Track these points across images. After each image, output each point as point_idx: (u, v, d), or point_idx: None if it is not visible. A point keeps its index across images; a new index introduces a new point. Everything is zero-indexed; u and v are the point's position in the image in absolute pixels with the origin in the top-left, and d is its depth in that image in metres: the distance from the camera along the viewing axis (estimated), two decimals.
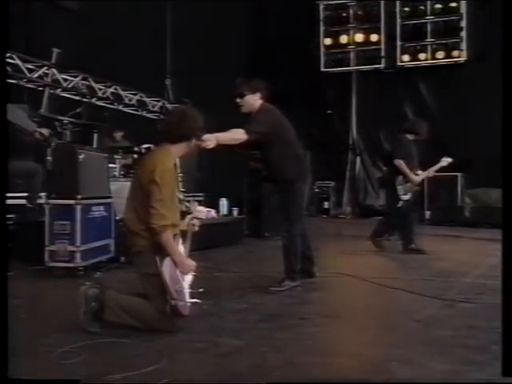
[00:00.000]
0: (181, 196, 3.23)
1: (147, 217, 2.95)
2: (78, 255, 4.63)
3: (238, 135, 4.01)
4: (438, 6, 11.50)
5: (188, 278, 3.15)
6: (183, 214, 3.24)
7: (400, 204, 6.21)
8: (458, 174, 10.43)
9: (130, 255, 3.17)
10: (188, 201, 3.38)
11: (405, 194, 6.22)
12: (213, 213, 7.43)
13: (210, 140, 3.55)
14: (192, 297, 3.14)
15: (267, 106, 4.28)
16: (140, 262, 3.08)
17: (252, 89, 4.24)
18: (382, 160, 7.48)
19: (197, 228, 3.28)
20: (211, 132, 3.55)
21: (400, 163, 6.16)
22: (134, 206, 3.09)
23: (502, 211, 2.29)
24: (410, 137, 6.32)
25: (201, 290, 3.18)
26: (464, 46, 11.26)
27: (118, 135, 8.09)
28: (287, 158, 4.25)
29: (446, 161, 6.47)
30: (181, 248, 3.13)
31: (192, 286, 3.17)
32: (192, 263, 3.13)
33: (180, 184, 3.26)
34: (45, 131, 5.60)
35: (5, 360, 2.12)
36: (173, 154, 3.15)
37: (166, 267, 2.96)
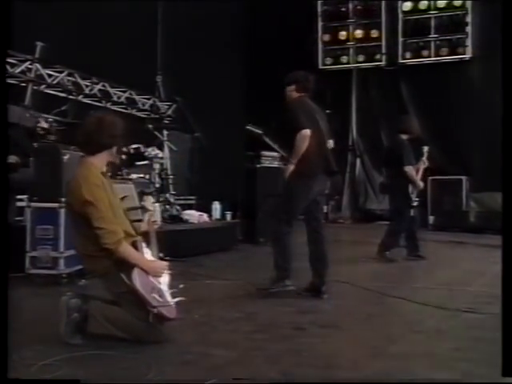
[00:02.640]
0: (137, 200, 3.20)
1: (97, 238, 2.93)
2: (62, 261, 4.59)
3: (304, 142, 4.16)
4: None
5: (164, 280, 3.13)
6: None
7: (411, 212, 6.29)
8: (463, 177, 10.46)
9: (96, 278, 3.13)
10: (142, 199, 3.35)
11: (415, 201, 6.31)
12: (205, 217, 7.50)
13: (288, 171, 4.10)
14: (174, 297, 3.11)
15: (297, 100, 4.49)
16: (108, 283, 3.05)
17: (288, 81, 4.58)
18: (384, 165, 7.47)
19: (158, 224, 3.26)
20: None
21: (411, 170, 6.21)
22: (79, 230, 3.05)
23: (502, 216, 2.32)
24: (405, 137, 6.39)
25: (181, 285, 3.16)
26: (469, 42, 11.28)
27: None
28: (304, 152, 4.19)
29: (424, 161, 6.54)
30: (147, 252, 3.11)
31: (172, 286, 3.15)
32: (162, 264, 3.11)
33: (170, 186, 3.25)
34: (46, 125, 5.58)
35: (5, 360, 2.18)
36: (95, 166, 3.09)
37: (136, 279, 2.94)
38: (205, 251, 6.42)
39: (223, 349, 2.95)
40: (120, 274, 2.95)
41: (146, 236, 3.17)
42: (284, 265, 4.26)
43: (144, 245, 3.12)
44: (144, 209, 3.24)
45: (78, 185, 2.99)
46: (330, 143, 4.56)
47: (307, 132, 4.16)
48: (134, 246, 3.04)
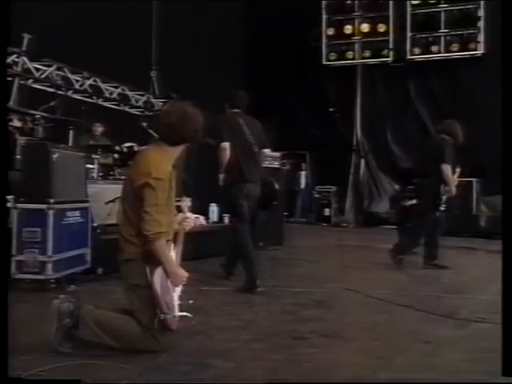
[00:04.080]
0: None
1: (139, 222, 2.95)
2: (50, 266, 4.59)
3: (222, 154, 4.98)
4: None
5: (178, 290, 3.15)
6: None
7: (438, 214, 6.21)
8: (473, 180, 10.47)
9: (119, 263, 3.15)
10: (178, 200, 3.36)
11: (444, 204, 6.21)
12: (202, 220, 7.49)
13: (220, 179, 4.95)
14: (181, 310, 3.13)
15: (226, 115, 5.17)
16: (129, 271, 3.06)
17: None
18: (401, 176, 7.49)
19: (189, 227, 3.28)
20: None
21: (448, 168, 6.10)
22: (124, 208, 3.09)
23: (502, 219, 2.38)
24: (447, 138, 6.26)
25: (191, 301, 3.17)
26: (481, 37, 11.30)
27: (98, 130, 8.06)
28: (229, 161, 4.96)
29: (458, 171, 6.47)
30: (172, 254, 3.13)
31: (181, 299, 3.16)
32: (184, 273, 3.13)
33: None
34: (19, 123, 5.56)
35: (5, 360, 2.24)
36: (170, 155, 3.15)
37: (157, 278, 2.96)
38: (201, 256, 6.42)
39: (220, 359, 2.96)
40: (145, 266, 2.97)
41: (174, 236, 3.20)
42: (229, 262, 5.32)
43: (172, 246, 3.15)
44: (179, 210, 3.26)
45: (147, 165, 3.01)
46: (266, 152, 5.37)
47: (225, 145, 4.95)
48: (166, 244, 3.05)
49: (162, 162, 3.06)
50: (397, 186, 7.27)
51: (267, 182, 5.67)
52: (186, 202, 3.32)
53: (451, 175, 6.17)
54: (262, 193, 5.25)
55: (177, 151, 3.20)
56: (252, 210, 5.20)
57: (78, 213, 5.02)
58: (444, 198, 6.22)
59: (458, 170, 6.46)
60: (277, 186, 6.35)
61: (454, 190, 6.24)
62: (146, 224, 2.92)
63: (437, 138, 6.45)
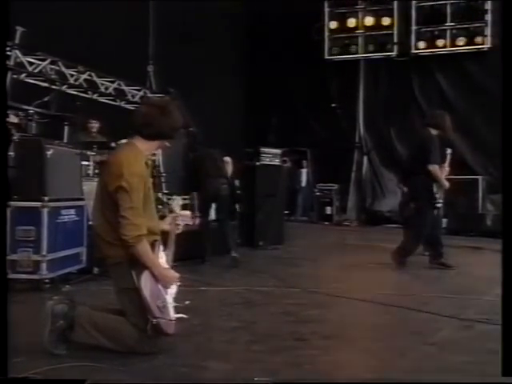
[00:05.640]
0: (164, 198, 3.23)
1: (119, 226, 2.94)
2: (44, 265, 4.61)
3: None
4: None
5: (172, 291, 3.15)
6: (162, 217, 3.24)
7: (435, 212, 6.24)
8: (479, 177, 10.46)
9: (106, 267, 3.15)
10: (169, 198, 3.36)
11: (439, 201, 6.24)
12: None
13: None
14: (177, 312, 3.13)
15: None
16: (117, 275, 3.07)
17: None
18: (407, 160, 7.59)
19: (180, 228, 3.27)
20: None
21: (436, 169, 6.13)
22: (103, 212, 3.07)
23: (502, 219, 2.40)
24: (434, 132, 6.28)
25: (187, 302, 3.18)
26: (488, 31, 11.26)
27: (94, 127, 8.07)
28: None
29: (445, 167, 6.47)
30: (162, 256, 3.14)
31: (177, 300, 3.16)
32: (174, 275, 3.13)
33: (163, 184, 3.26)
34: (16, 119, 5.57)
35: (5, 360, 2.27)
36: (142, 152, 3.13)
37: (145, 282, 2.96)
38: (200, 255, 6.44)
39: (219, 361, 2.97)
40: (131, 270, 2.97)
41: (165, 237, 3.19)
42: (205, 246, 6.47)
43: (161, 248, 3.14)
44: (169, 209, 3.25)
45: (120, 167, 2.99)
46: (226, 159, 6.91)
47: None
48: (153, 245, 3.06)
49: (134, 161, 3.04)
50: (405, 189, 7.27)
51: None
52: (177, 201, 3.31)
53: (440, 174, 6.20)
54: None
55: (150, 147, 3.18)
56: (224, 204, 6.66)
57: (73, 211, 5.03)
58: (438, 195, 6.24)
59: (448, 152, 6.48)
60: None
61: (446, 185, 6.27)
62: (123, 229, 2.92)
63: (422, 136, 6.44)
